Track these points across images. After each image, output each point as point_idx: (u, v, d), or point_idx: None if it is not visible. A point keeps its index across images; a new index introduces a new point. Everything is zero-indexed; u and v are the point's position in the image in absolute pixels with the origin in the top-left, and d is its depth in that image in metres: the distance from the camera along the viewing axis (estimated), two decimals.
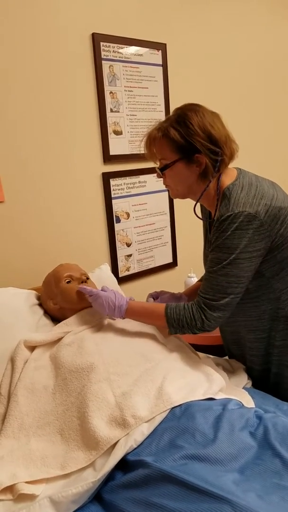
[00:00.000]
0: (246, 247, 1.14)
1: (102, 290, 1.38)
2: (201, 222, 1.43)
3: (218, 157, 1.18)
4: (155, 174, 1.30)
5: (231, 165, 1.27)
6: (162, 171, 1.25)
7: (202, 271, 1.70)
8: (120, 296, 1.34)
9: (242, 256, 1.14)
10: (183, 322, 1.23)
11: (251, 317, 1.31)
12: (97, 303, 1.35)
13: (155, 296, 1.54)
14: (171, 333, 1.28)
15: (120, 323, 1.42)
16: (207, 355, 1.58)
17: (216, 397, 1.15)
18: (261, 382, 1.40)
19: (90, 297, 1.37)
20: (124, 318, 1.34)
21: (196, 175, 1.22)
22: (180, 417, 1.06)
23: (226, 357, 1.54)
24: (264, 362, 1.37)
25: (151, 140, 1.24)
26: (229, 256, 1.15)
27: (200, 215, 1.35)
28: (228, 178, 1.23)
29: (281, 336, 1.30)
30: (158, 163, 1.27)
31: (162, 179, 1.30)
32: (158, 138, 1.21)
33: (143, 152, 1.30)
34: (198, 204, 1.33)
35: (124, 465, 0.99)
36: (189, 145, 1.17)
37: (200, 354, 1.53)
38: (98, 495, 0.97)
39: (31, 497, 0.96)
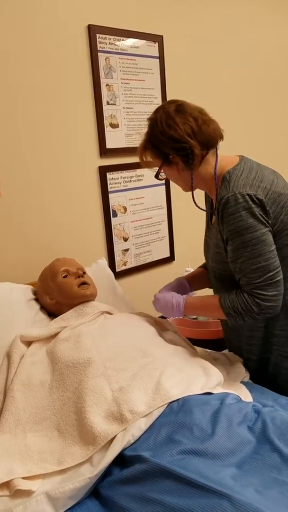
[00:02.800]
0: (260, 222, 1.16)
1: (161, 292, 1.44)
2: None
3: (187, 151, 1.22)
4: (153, 169, 1.36)
5: (234, 153, 1.32)
6: (156, 177, 1.35)
7: (199, 265, 1.69)
8: (177, 295, 1.37)
9: (262, 229, 1.16)
10: (239, 309, 1.21)
11: None
12: (158, 306, 1.40)
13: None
14: (232, 324, 1.25)
15: (117, 317, 1.41)
16: (205, 349, 1.58)
17: (214, 392, 1.14)
18: (259, 373, 1.39)
19: (153, 301, 1.42)
20: (184, 316, 1.37)
21: (181, 169, 1.27)
22: (178, 411, 1.05)
23: (225, 351, 1.54)
24: (262, 351, 1.36)
25: (141, 153, 1.34)
26: (252, 235, 1.16)
27: (201, 205, 1.37)
28: (229, 163, 1.26)
29: (280, 326, 1.30)
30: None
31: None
32: (142, 151, 1.32)
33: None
34: (199, 194, 1.35)
35: (121, 460, 0.98)
36: (159, 151, 1.26)
37: (198, 348, 1.52)
38: (95, 491, 0.97)
39: (27, 493, 0.95)
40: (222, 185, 1.21)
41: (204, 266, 1.61)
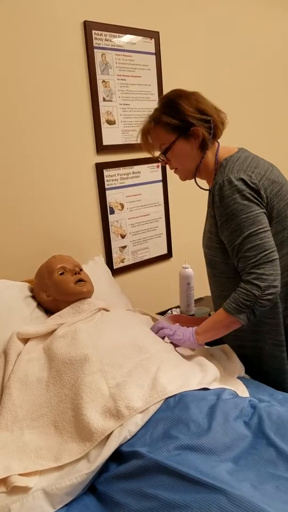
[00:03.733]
0: (254, 204, 1.19)
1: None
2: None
3: (211, 124, 1.27)
4: (157, 164, 1.38)
5: (235, 145, 1.36)
6: (165, 154, 1.31)
7: (197, 263, 1.69)
8: (185, 328, 1.34)
9: (257, 211, 1.18)
10: (243, 301, 1.18)
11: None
12: (176, 339, 1.33)
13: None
14: (245, 324, 1.21)
15: (114, 314, 1.41)
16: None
17: (211, 387, 1.14)
18: (256, 365, 1.40)
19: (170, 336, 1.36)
20: (200, 346, 1.32)
21: (196, 147, 1.29)
22: (174, 407, 1.05)
23: (222, 345, 1.53)
24: (254, 339, 1.37)
25: (146, 132, 1.32)
26: (247, 217, 1.18)
27: (202, 186, 1.41)
28: (227, 152, 1.30)
29: (270, 314, 1.32)
30: (158, 152, 1.34)
31: (167, 166, 1.37)
32: (152, 128, 1.30)
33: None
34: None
35: (118, 456, 0.98)
36: (183, 122, 1.25)
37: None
38: (92, 487, 0.97)
39: (24, 490, 0.95)
40: (218, 172, 1.25)
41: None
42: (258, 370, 1.39)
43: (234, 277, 1.31)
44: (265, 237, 1.18)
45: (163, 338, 1.35)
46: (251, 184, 1.19)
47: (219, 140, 1.35)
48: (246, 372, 1.39)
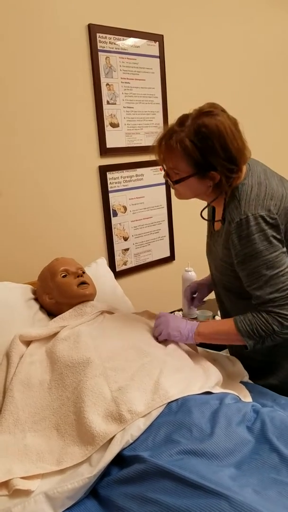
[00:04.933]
0: (274, 243, 1.13)
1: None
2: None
3: (234, 174, 1.16)
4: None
5: None
6: (174, 183, 1.22)
7: (199, 265, 1.69)
8: (184, 324, 1.30)
9: (277, 252, 1.13)
10: (259, 331, 1.15)
11: (250, 306, 1.29)
12: (163, 328, 1.30)
13: (193, 290, 1.63)
14: (251, 348, 1.19)
15: (117, 317, 1.41)
16: (205, 349, 1.57)
17: (213, 391, 1.14)
18: (261, 373, 1.39)
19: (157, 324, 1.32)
20: (196, 343, 1.31)
21: (207, 187, 1.20)
22: (177, 411, 1.05)
23: (225, 351, 1.53)
24: (267, 354, 1.35)
25: (166, 148, 1.17)
26: (267, 258, 1.13)
27: (204, 214, 1.35)
28: (239, 179, 1.20)
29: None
30: (168, 169, 1.23)
31: (163, 173, 1.28)
32: (174, 148, 1.14)
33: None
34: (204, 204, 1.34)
35: (120, 460, 0.98)
36: (206, 162, 1.13)
37: (198, 348, 1.52)
38: (94, 491, 0.96)
39: (26, 493, 0.95)
40: (231, 204, 1.18)
41: None
42: (267, 383, 1.38)
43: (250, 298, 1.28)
44: (286, 279, 1.13)
45: (158, 335, 1.33)
46: (270, 221, 1.12)
47: None
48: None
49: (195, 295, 1.67)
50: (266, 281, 1.14)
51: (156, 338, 1.34)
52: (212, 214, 1.41)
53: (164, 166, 1.24)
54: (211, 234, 1.38)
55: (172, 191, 2.16)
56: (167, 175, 1.24)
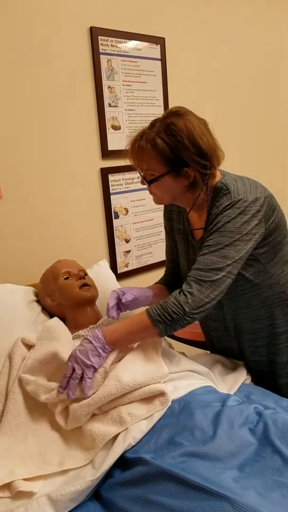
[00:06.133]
0: (246, 231, 1.13)
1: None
2: None
3: (207, 170, 1.16)
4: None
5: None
6: (149, 184, 1.21)
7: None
8: (90, 339, 1.15)
9: (242, 238, 1.13)
10: (169, 312, 1.10)
11: (253, 306, 1.30)
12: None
13: (119, 298, 1.35)
14: (161, 334, 1.14)
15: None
16: (206, 351, 1.57)
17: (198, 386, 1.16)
18: (267, 374, 1.39)
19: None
20: (112, 351, 1.17)
21: (183, 186, 1.20)
22: (179, 413, 1.05)
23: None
24: (269, 353, 1.36)
25: (138, 149, 1.18)
26: (229, 239, 1.12)
27: (193, 224, 1.32)
28: (215, 177, 1.22)
29: (286, 321, 1.31)
30: (143, 172, 1.23)
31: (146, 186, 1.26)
32: (145, 148, 1.16)
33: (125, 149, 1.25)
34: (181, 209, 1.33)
35: (122, 462, 0.98)
36: (178, 159, 1.13)
37: (201, 350, 1.52)
38: (96, 493, 0.97)
39: (29, 495, 0.95)
40: (218, 196, 1.18)
41: (162, 283, 1.52)
42: (273, 385, 1.38)
43: (245, 293, 1.28)
44: (233, 268, 1.12)
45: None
46: (259, 207, 1.15)
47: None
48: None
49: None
50: (213, 252, 1.12)
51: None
52: (187, 225, 1.37)
53: (140, 170, 1.24)
54: (191, 246, 1.35)
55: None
56: (144, 179, 1.23)
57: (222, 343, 1.48)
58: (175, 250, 1.46)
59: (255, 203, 1.14)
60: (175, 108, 1.18)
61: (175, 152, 1.13)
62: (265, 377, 1.40)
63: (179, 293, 1.13)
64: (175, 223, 1.41)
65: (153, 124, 1.18)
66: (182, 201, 1.27)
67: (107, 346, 1.14)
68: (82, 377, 1.10)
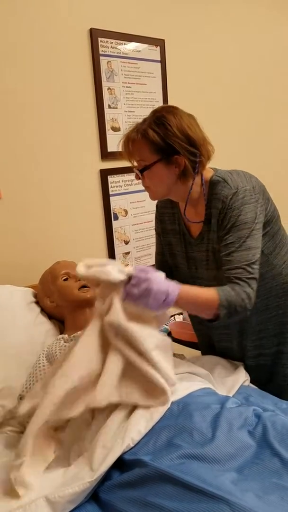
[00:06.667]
0: (256, 218, 1.18)
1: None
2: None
3: (197, 158, 1.19)
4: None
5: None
6: (141, 172, 1.24)
7: None
8: (169, 283, 1.10)
9: (256, 227, 1.18)
10: (237, 304, 1.12)
11: (260, 296, 1.30)
12: (140, 291, 1.06)
13: None
14: (219, 318, 1.13)
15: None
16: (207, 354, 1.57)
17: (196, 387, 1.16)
18: (274, 373, 1.39)
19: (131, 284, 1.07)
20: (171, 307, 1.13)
21: (175, 175, 1.22)
22: (178, 415, 1.05)
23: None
24: (277, 343, 1.37)
25: (130, 141, 1.23)
26: (247, 231, 1.17)
27: (190, 218, 1.33)
28: (208, 173, 1.26)
29: None
30: (136, 164, 1.26)
31: (141, 180, 1.28)
32: (137, 139, 1.21)
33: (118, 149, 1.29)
34: (181, 206, 1.34)
35: (121, 464, 0.98)
36: (168, 147, 1.17)
37: (196, 351, 1.52)
38: (94, 495, 0.96)
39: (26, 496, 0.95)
40: (217, 188, 1.21)
41: None
42: (275, 381, 1.39)
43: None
44: (258, 256, 1.17)
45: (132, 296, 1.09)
46: (255, 194, 1.19)
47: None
48: (262, 387, 1.37)
49: None
50: (239, 248, 1.16)
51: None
52: (180, 221, 1.38)
53: (133, 162, 1.27)
54: (189, 244, 1.36)
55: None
56: (137, 171, 1.26)
57: (221, 342, 1.47)
58: (167, 251, 1.47)
59: (254, 191, 1.19)
60: (166, 106, 1.25)
61: (165, 140, 1.17)
62: (263, 374, 1.40)
63: (239, 289, 1.14)
64: (168, 225, 1.43)
65: (144, 119, 1.24)
66: (176, 193, 1.28)
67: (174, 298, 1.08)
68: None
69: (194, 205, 1.30)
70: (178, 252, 1.42)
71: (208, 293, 1.14)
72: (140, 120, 1.24)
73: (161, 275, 1.10)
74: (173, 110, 1.20)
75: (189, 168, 1.20)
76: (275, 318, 1.35)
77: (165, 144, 1.17)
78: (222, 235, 1.22)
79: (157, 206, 1.46)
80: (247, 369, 1.41)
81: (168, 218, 1.42)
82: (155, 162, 1.20)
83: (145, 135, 1.18)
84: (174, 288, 1.09)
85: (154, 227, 1.50)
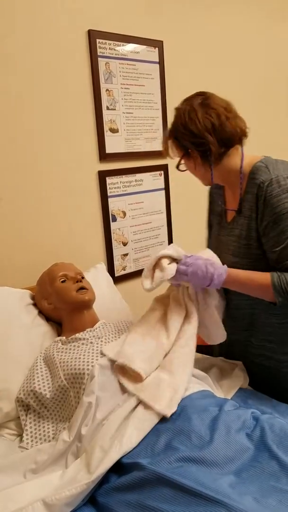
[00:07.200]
0: None
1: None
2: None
3: (205, 147, 1.23)
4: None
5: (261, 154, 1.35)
6: (177, 167, 1.34)
7: None
8: (216, 269, 1.22)
9: None
10: None
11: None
12: (191, 272, 1.23)
13: None
14: (278, 303, 1.17)
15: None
16: (203, 355, 1.57)
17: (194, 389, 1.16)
18: (276, 375, 1.37)
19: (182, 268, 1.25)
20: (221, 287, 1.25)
21: (201, 165, 1.29)
22: (176, 418, 1.04)
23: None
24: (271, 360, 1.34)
25: (165, 142, 1.35)
26: None
27: (228, 202, 1.38)
28: (253, 159, 1.30)
29: None
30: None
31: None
32: (167, 140, 1.34)
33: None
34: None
35: (119, 467, 0.97)
36: (181, 143, 1.28)
37: (197, 354, 1.51)
38: (92, 498, 0.96)
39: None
40: (258, 172, 1.23)
41: None
42: (277, 383, 1.37)
43: None
44: None
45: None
46: None
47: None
48: (263, 389, 1.36)
49: None
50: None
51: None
52: (223, 204, 1.42)
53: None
54: (223, 228, 1.39)
55: (173, 193, 2.18)
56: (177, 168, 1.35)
57: (232, 335, 1.44)
58: (211, 233, 1.51)
59: None
60: (180, 104, 1.35)
61: (177, 138, 1.28)
62: (270, 375, 1.38)
63: None
64: (214, 206, 1.48)
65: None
66: (215, 178, 1.33)
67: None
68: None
69: (232, 188, 1.35)
70: (214, 233, 1.46)
71: (261, 277, 1.20)
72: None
73: (209, 261, 1.23)
74: (186, 101, 1.32)
75: (200, 158, 1.26)
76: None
77: (179, 141, 1.28)
78: (262, 228, 1.22)
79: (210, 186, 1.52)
80: (247, 368, 1.40)
81: (217, 198, 1.46)
82: (181, 158, 1.31)
83: (171, 135, 1.31)
84: (220, 272, 1.21)
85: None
